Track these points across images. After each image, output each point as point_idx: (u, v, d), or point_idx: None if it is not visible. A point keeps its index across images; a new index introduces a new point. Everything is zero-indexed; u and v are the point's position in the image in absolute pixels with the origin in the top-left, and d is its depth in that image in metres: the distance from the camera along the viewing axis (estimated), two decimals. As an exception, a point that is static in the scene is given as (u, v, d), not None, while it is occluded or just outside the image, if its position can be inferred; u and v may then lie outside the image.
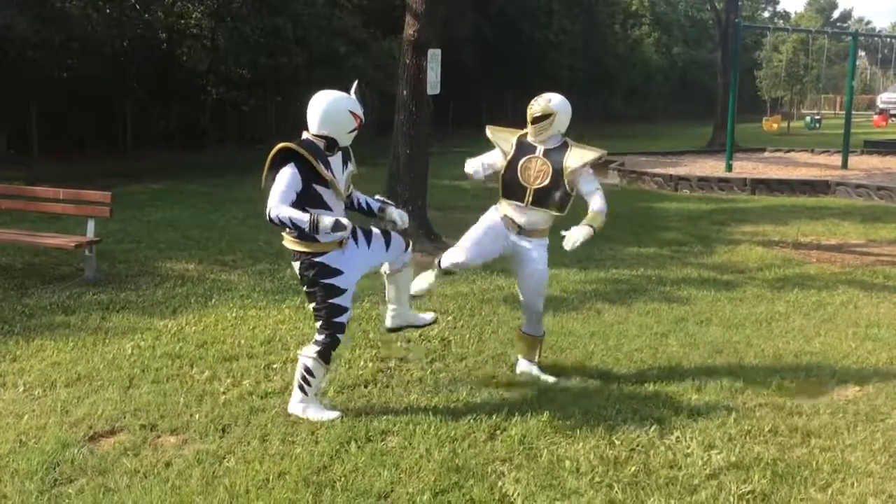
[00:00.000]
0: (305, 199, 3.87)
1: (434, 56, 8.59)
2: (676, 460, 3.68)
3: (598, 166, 4.40)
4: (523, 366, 4.81)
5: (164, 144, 20.81)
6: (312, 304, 4.09)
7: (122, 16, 19.05)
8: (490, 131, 4.70)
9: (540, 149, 4.50)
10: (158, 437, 3.90)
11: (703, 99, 38.82)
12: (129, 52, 19.29)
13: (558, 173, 4.43)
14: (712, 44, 38.92)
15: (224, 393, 4.42)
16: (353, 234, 4.07)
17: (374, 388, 4.51)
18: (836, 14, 68.28)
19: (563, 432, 3.93)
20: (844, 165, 16.84)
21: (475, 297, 6.53)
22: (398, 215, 4.26)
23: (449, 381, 4.65)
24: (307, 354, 4.08)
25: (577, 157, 4.46)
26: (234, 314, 5.97)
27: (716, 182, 14.60)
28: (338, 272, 4.00)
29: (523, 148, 4.53)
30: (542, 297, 4.69)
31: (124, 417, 4.09)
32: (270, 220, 3.80)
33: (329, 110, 3.94)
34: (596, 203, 4.53)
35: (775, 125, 28.73)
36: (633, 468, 3.59)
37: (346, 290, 4.05)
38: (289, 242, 4.05)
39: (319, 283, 4.00)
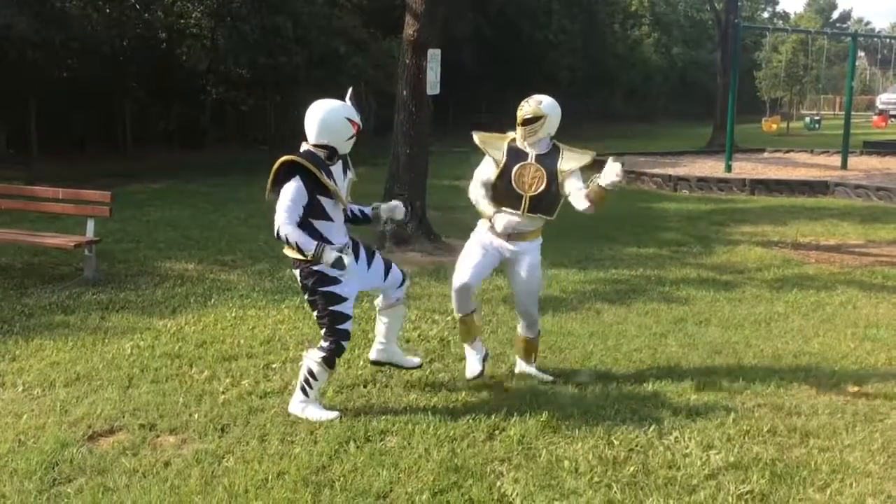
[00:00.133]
0: (309, 210, 3.92)
1: (434, 56, 8.59)
2: (675, 460, 3.68)
3: (597, 166, 4.37)
4: (522, 366, 4.81)
5: (164, 144, 20.82)
6: (315, 313, 4.11)
7: (121, 15, 19.05)
8: (478, 138, 4.53)
9: (532, 154, 4.41)
10: (157, 436, 3.90)
11: (702, 99, 38.81)
12: (129, 52, 19.30)
13: (553, 178, 4.37)
14: (712, 44, 38.95)
15: (223, 393, 4.42)
16: (356, 251, 4.16)
17: (373, 388, 4.51)
18: (835, 14, 68.28)
19: (562, 432, 3.94)
20: (844, 166, 16.84)
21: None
22: (387, 209, 4.33)
23: (448, 381, 4.65)
24: (312, 358, 4.09)
25: (571, 160, 4.41)
26: (233, 314, 5.98)
27: (715, 182, 14.61)
28: (336, 280, 4.03)
29: (515, 154, 4.42)
30: (537, 299, 4.67)
31: (123, 417, 4.09)
32: (278, 237, 3.87)
33: (326, 119, 3.97)
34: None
35: (774, 126, 28.73)
36: (631, 468, 3.59)
37: (347, 298, 4.09)
38: (288, 250, 4.06)
39: (319, 291, 4.01)
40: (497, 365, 4.94)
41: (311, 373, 4.07)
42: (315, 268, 3.98)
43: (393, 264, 4.42)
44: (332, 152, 4.01)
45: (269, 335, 5.47)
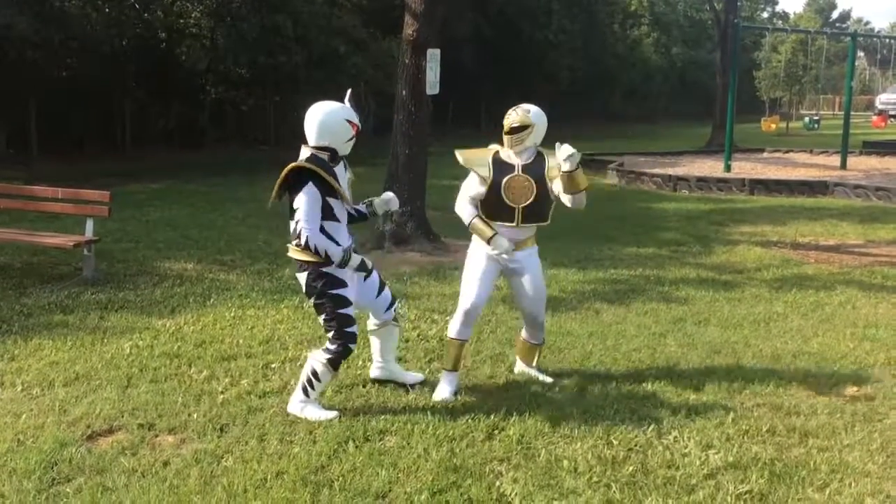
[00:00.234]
0: (320, 212, 3.95)
1: (433, 56, 8.59)
2: (674, 460, 3.68)
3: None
4: (521, 366, 4.81)
5: (163, 144, 20.82)
6: (322, 316, 4.10)
7: (121, 15, 19.05)
8: (462, 157, 4.45)
9: (518, 165, 4.34)
10: (156, 436, 3.90)
11: (702, 99, 38.81)
12: (129, 52, 19.29)
13: (542, 185, 4.32)
14: (711, 44, 38.97)
15: (222, 392, 4.42)
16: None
17: (373, 388, 4.51)
18: (835, 14, 68.31)
19: (561, 432, 3.94)
20: (843, 166, 16.84)
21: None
22: (381, 202, 4.34)
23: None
24: (317, 359, 4.09)
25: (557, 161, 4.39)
26: (232, 314, 5.97)
27: (714, 182, 14.61)
28: (344, 283, 4.06)
29: (501, 167, 4.35)
30: (542, 306, 4.64)
31: (122, 417, 4.09)
32: (305, 245, 3.90)
33: (326, 121, 3.99)
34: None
35: (774, 126, 28.75)
36: (630, 468, 3.59)
37: (353, 302, 4.12)
38: (295, 253, 4.06)
39: (328, 293, 4.02)
40: (496, 365, 4.94)
41: (314, 373, 4.07)
42: (325, 269, 3.99)
43: (386, 286, 4.46)
44: (333, 154, 4.03)
45: (268, 335, 5.47)
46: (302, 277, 4.08)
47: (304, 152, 4.01)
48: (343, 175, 4.11)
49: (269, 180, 4.22)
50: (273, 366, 4.88)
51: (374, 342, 4.54)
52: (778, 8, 72.53)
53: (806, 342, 5.53)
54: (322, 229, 3.96)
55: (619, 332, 5.67)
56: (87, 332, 5.46)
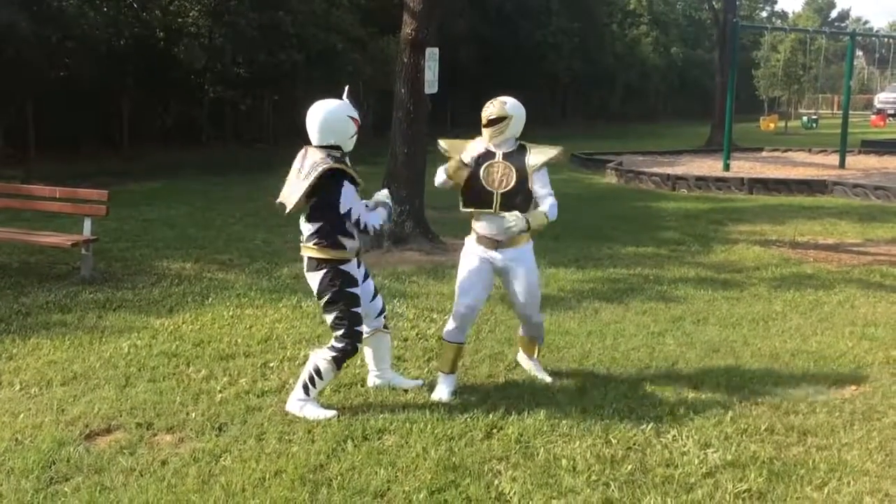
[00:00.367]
0: None
1: (432, 55, 8.58)
2: (673, 459, 3.68)
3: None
4: (524, 361, 4.80)
5: (161, 143, 20.77)
6: (334, 314, 4.06)
7: (119, 14, 19.00)
8: (444, 144, 4.53)
9: (499, 153, 4.37)
10: (155, 435, 3.89)
11: (700, 98, 38.88)
12: (127, 51, 19.24)
13: (522, 174, 4.32)
14: (710, 43, 39.06)
15: (220, 391, 4.41)
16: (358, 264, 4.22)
17: (371, 387, 4.50)
18: (833, 14, 68.42)
19: (560, 431, 3.93)
20: (842, 165, 16.86)
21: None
22: (378, 199, 4.38)
23: (446, 380, 4.63)
24: (322, 356, 4.08)
25: (540, 154, 4.37)
26: (230, 313, 5.97)
27: (713, 181, 14.61)
28: (356, 282, 4.09)
29: (483, 154, 4.38)
30: (538, 306, 4.62)
31: (120, 416, 4.08)
32: (365, 229, 4.06)
33: (329, 119, 4.01)
34: (545, 204, 4.35)
35: (772, 125, 28.81)
36: (629, 467, 3.59)
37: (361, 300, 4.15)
38: (313, 251, 4.04)
39: (345, 291, 4.03)
40: (495, 364, 4.94)
41: (317, 371, 4.06)
42: (342, 268, 4.02)
43: (379, 294, 4.47)
44: (341, 152, 4.06)
45: (267, 334, 5.46)
46: (317, 276, 4.05)
47: (320, 153, 4.00)
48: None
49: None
50: (271, 365, 4.87)
51: (367, 352, 4.51)
52: (777, 7, 72.61)
53: (805, 341, 5.53)
54: (342, 223, 3.99)
55: (617, 331, 5.67)
56: (86, 332, 5.46)
